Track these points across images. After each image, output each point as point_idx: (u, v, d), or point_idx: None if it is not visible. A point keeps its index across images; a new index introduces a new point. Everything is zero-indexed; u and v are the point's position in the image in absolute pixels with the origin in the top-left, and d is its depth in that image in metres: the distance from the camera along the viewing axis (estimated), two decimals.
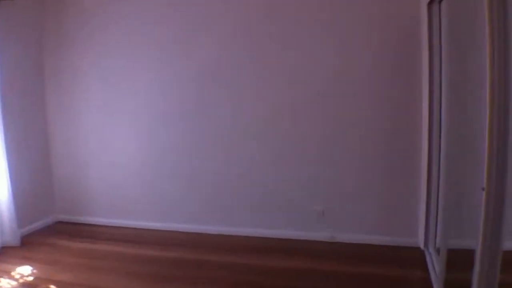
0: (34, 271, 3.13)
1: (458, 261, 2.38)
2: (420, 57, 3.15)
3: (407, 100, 3.28)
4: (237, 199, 3.80)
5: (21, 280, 2.97)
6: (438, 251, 2.86)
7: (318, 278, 2.93)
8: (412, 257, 3.18)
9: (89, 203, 4.26)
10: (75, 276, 3.04)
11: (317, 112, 3.50)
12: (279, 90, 3.57)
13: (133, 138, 4.03)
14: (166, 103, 3.87)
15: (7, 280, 2.97)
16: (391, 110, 3.33)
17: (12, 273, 3.08)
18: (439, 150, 2.96)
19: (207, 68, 3.70)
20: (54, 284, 2.90)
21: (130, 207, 4.12)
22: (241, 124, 3.70)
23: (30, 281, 2.97)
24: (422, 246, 3.27)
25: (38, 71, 4.18)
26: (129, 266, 3.21)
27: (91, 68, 4.06)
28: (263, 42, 3.56)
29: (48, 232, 4.08)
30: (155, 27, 3.82)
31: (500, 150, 1.39)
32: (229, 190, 3.81)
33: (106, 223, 4.19)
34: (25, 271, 3.13)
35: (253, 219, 3.77)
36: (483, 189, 1.42)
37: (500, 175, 1.39)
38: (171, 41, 3.79)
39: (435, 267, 2.74)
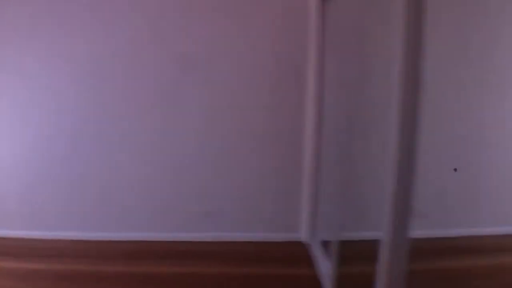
0: None
1: (348, 253, 2.42)
2: (309, 55, 3.17)
3: (294, 96, 3.28)
4: (117, 203, 3.41)
5: None
6: (324, 244, 2.91)
7: (201, 281, 2.77)
8: (298, 252, 3.19)
9: None
10: None
11: (200, 110, 3.30)
12: (160, 80, 3.27)
13: (7, 137, 3.35)
14: (53, 103, 3.30)
15: None
16: (276, 107, 3.30)
17: None
18: (324, 142, 3.03)
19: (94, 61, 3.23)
20: None
21: (8, 215, 3.43)
22: (124, 124, 3.31)
23: None
24: (307, 240, 3.32)
25: None
26: (8, 283, 2.69)
27: None
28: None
29: None
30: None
31: (408, 138, 1.37)
32: (112, 193, 3.41)
33: None
34: None
35: (134, 223, 3.43)
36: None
37: (408, 161, 1.36)
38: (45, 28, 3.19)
39: (323, 260, 2.76)
